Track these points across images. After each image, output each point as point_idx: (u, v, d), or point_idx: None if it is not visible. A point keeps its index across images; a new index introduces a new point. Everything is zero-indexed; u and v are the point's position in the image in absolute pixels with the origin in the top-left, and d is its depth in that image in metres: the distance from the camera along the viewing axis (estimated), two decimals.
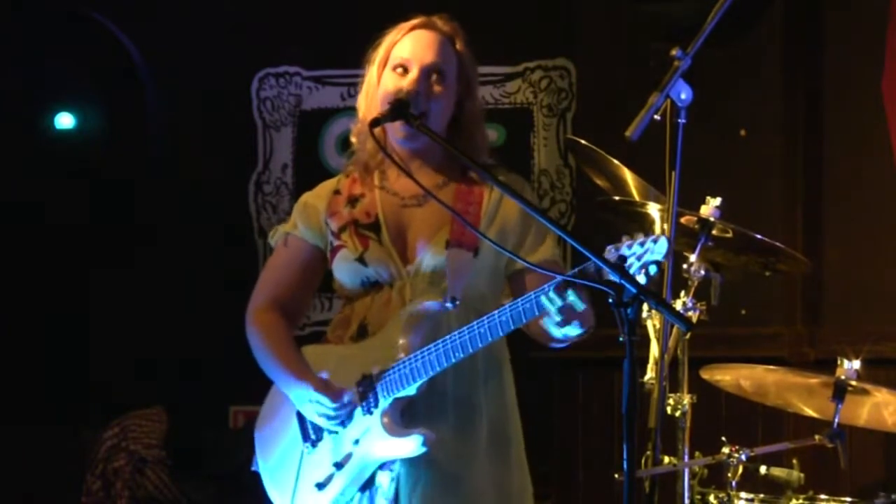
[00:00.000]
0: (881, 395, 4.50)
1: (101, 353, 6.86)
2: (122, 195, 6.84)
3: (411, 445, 3.67)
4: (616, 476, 4.62)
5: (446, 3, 6.37)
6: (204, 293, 6.74)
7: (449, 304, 3.72)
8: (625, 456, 3.09)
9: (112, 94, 6.78)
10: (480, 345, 3.60)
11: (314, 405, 3.74)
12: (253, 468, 3.98)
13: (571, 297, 3.45)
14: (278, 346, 3.87)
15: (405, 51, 3.85)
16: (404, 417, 3.72)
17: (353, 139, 3.95)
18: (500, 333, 3.59)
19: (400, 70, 3.83)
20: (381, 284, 3.82)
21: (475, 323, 3.59)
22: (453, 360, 3.63)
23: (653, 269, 3.28)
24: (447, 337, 3.62)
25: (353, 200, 3.89)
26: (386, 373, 3.71)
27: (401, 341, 3.70)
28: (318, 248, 3.91)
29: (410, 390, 3.68)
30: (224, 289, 6.91)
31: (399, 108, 3.71)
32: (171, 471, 6.56)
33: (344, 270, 3.85)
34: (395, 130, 3.81)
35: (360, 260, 3.81)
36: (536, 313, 3.51)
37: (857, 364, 4.42)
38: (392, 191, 3.87)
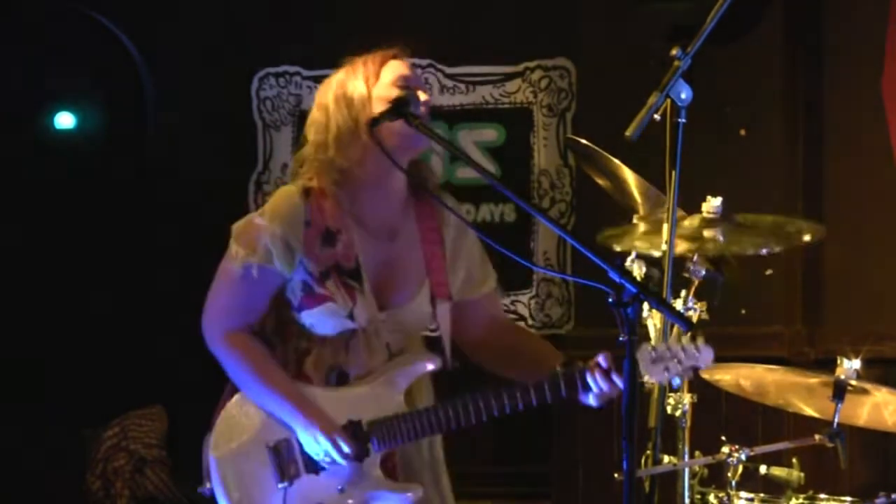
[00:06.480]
0: (881, 394, 4.50)
1: (102, 353, 6.85)
2: (121, 195, 6.84)
3: (403, 501, 3.70)
4: (616, 476, 4.62)
5: (446, 4, 6.36)
6: (204, 293, 6.72)
7: (449, 367, 3.80)
8: (625, 456, 3.09)
9: (112, 94, 6.77)
10: (485, 419, 3.65)
11: (327, 446, 3.71)
12: (204, 492, 3.91)
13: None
14: (276, 375, 3.80)
15: (398, 71, 3.80)
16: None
17: (327, 154, 3.76)
18: (509, 411, 3.64)
19: (401, 83, 3.77)
20: (356, 331, 3.78)
21: (492, 394, 3.62)
22: (454, 428, 3.69)
23: (688, 375, 3.38)
24: (456, 403, 3.65)
25: (329, 237, 3.78)
26: (380, 425, 3.71)
27: (398, 398, 3.72)
28: (286, 277, 3.80)
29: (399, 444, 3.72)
30: None
31: (400, 106, 3.68)
32: (171, 471, 6.56)
33: (327, 322, 3.77)
34: (391, 137, 3.74)
35: (349, 315, 3.76)
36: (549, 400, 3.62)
37: (857, 364, 4.41)
38: (364, 223, 3.79)
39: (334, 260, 3.76)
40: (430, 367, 3.77)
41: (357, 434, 3.71)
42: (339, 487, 3.72)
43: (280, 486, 3.76)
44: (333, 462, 3.72)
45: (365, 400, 3.73)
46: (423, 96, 3.77)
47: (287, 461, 3.77)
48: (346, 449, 3.69)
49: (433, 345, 3.83)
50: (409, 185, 3.82)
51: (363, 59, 3.81)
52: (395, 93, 3.74)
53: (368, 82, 3.75)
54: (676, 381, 3.49)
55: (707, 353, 3.40)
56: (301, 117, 6.94)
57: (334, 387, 3.78)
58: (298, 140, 6.96)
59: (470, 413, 3.64)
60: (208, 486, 3.89)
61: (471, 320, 3.90)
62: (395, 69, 3.79)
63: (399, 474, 3.75)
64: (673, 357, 3.38)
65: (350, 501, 3.72)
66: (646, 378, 3.43)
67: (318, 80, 6.90)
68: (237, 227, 3.86)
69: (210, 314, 3.92)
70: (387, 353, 3.78)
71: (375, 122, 3.68)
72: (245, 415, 3.85)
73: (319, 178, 3.78)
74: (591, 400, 3.59)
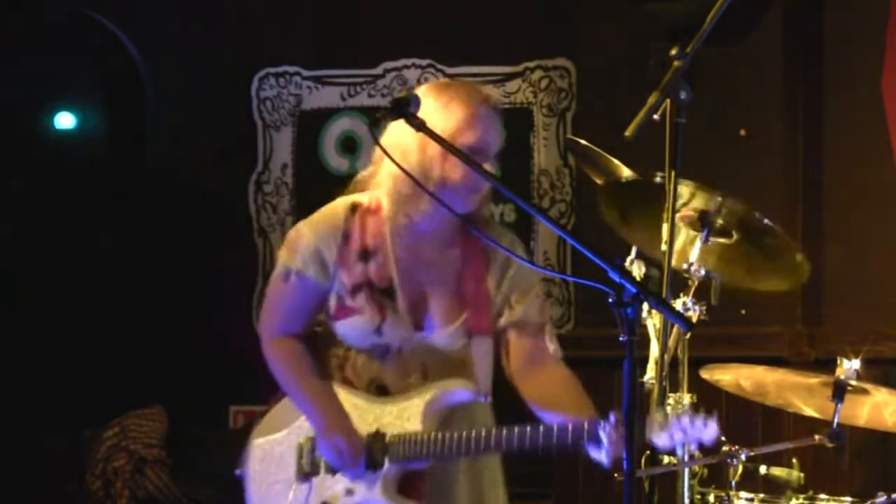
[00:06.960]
0: (881, 394, 4.50)
1: (101, 353, 6.85)
2: (121, 195, 6.84)
3: None
4: (616, 476, 4.62)
5: (447, 4, 6.35)
6: (204, 293, 6.73)
7: (482, 398, 3.80)
8: (625, 456, 3.09)
9: (112, 94, 6.77)
10: (505, 449, 3.67)
11: (336, 455, 3.77)
12: (238, 474, 3.97)
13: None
14: (309, 380, 3.86)
15: (480, 133, 3.77)
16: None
17: (403, 188, 3.76)
18: (516, 449, 3.64)
19: (475, 147, 3.73)
20: (390, 348, 3.83)
21: (517, 429, 3.62)
22: (475, 455, 3.72)
23: (692, 448, 3.39)
24: (480, 434, 3.66)
25: (365, 254, 3.84)
26: (401, 441, 3.74)
27: (426, 419, 3.74)
28: (325, 287, 3.86)
29: (419, 464, 3.75)
30: (224, 288, 6.91)
31: (400, 105, 3.66)
32: (171, 471, 6.56)
33: (356, 335, 3.84)
34: (454, 175, 3.74)
35: (377, 331, 3.81)
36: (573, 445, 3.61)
37: (856, 364, 4.41)
38: (409, 246, 3.83)
39: (367, 277, 3.82)
40: (465, 397, 3.79)
41: (376, 444, 3.75)
42: (348, 489, 3.76)
43: (297, 480, 3.83)
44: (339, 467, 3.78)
45: (394, 415, 3.77)
46: (489, 168, 3.74)
47: (310, 459, 3.84)
48: (355, 457, 3.74)
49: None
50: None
51: (454, 97, 3.78)
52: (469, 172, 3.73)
53: (453, 131, 3.72)
54: (679, 451, 3.54)
55: (712, 430, 3.45)
56: (301, 117, 6.94)
57: (375, 396, 3.82)
58: (298, 140, 7.01)
59: (481, 445, 3.66)
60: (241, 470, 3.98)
61: (504, 347, 3.89)
62: (482, 127, 3.77)
63: (424, 499, 3.78)
64: (680, 430, 3.42)
65: (350, 502, 3.75)
66: (647, 430, 3.46)
67: (319, 80, 6.92)
68: (289, 231, 3.97)
69: (261, 316, 3.99)
70: (422, 372, 3.81)
71: (377, 122, 3.66)
72: (293, 409, 3.91)
73: (385, 202, 3.83)
74: (603, 457, 3.59)
